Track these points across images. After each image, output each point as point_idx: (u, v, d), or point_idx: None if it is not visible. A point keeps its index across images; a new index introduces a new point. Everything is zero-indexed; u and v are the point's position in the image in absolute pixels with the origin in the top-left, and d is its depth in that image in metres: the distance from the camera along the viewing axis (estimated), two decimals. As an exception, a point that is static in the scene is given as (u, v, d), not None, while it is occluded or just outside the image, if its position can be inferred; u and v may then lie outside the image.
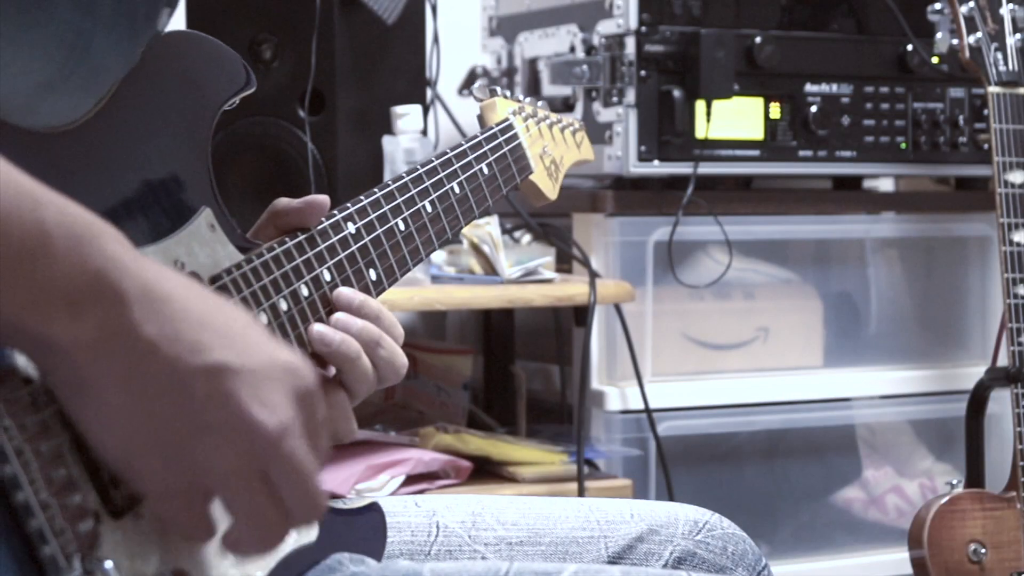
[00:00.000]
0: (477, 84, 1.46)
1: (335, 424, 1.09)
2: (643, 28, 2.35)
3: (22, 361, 0.85)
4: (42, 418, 0.85)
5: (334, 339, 1.10)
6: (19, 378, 0.84)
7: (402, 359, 1.14)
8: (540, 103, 1.52)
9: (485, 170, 1.34)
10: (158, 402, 0.84)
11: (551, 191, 1.48)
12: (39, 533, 0.82)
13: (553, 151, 1.50)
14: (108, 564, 0.84)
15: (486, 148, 1.35)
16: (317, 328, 1.10)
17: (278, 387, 0.88)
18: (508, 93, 1.47)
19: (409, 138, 2.26)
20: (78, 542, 0.84)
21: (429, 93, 2.53)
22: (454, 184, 1.29)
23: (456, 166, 1.30)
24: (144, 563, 0.89)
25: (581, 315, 2.30)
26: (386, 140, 2.27)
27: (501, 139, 1.38)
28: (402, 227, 1.22)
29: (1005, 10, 2.31)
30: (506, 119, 1.41)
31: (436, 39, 2.55)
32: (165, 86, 1.05)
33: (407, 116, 2.26)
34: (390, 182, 1.23)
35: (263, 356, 0.88)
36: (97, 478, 0.88)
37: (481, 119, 1.43)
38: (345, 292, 1.13)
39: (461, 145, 1.33)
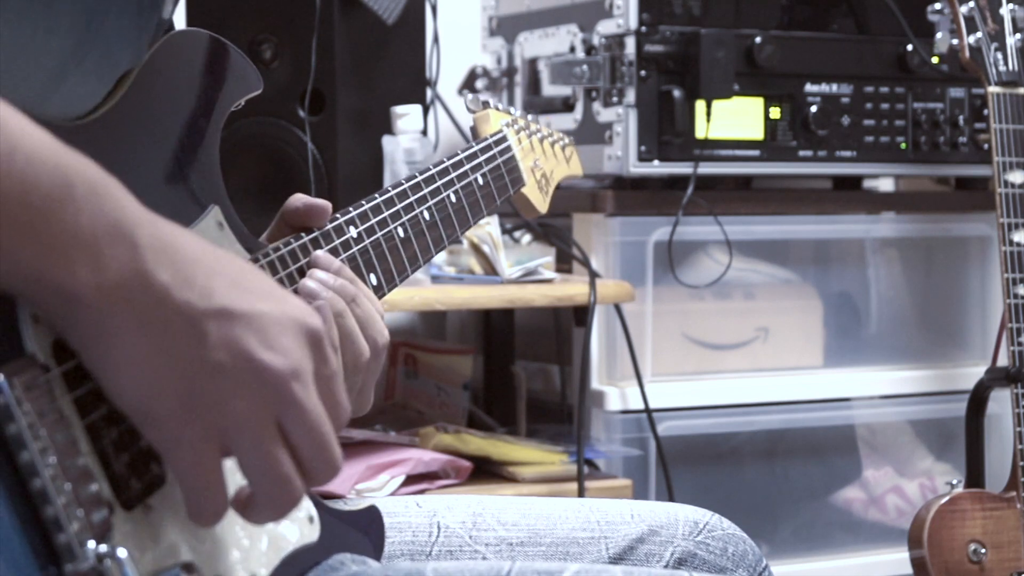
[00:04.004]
0: (470, 96, 1.47)
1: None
2: (643, 28, 2.35)
3: (40, 348, 0.86)
4: (59, 406, 0.86)
5: (321, 292, 1.10)
6: (38, 365, 0.85)
7: (381, 327, 1.14)
8: (531, 116, 1.54)
9: (480, 180, 1.36)
10: (173, 345, 0.85)
11: (541, 204, 1.50)
12: (54, 520, 0.83)
13: (544, 164, 1.51)
14: (122, 553, 0.85)
15: (481, 159, 1.37)
16: (304, 282, 1.11)
17: (287, 332, 0.89)
18: (500, 105, 1.49)
19: (409, 138, 2.26)
20: (92, 531, 0.85)
21: (429, 93, 2.53)
22: (450, 193, 1.31)
23: (453, 175, 1.32)
24: (154, 555, 0.90)
25: (581, 315, 2.30)
26: (386, 140, 2.27)
27: (495, 150, 1.40)
28: (401, 233, 1.24)
29: (1005, 10, 2.31)
30: (500, 131, 1.43)
31: (436, 39, 2.55)
32: (175, 85, 1.06)
33: (407, 116, 2.26)
34: (389, 188, 1.25)
35: (272, 302, 0.90)
36: (109, 469, 0.89)
37: (474, 130, 1.45)
38: (323, 254, 1.14)
39: (457, 155, 1.35)
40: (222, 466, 0.88)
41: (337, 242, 1.17)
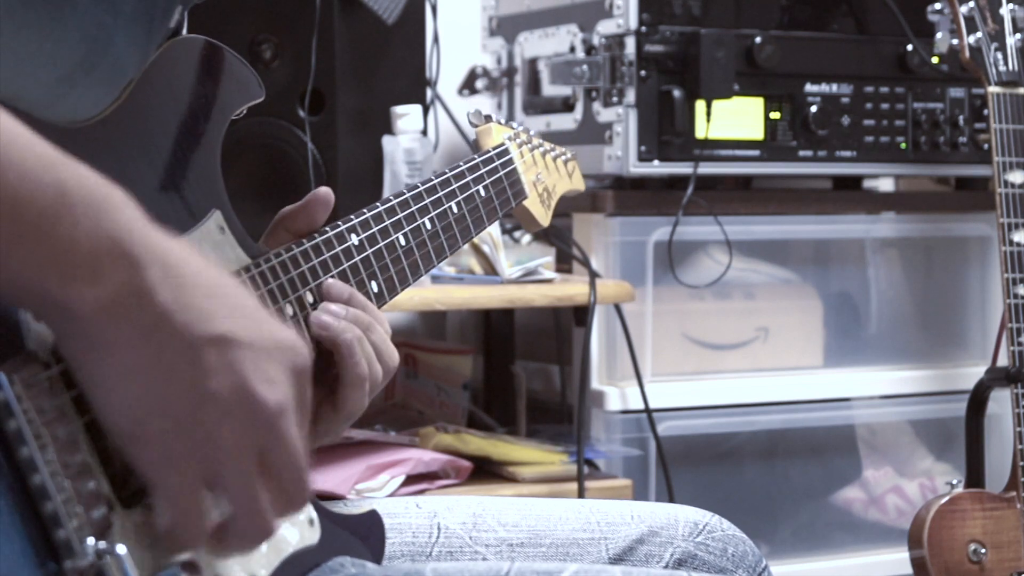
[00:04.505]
0: (472, 111, 1.48)
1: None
2: (643, 28, 2.35)
3: (41, 346, 0.86)
4: (59, 403, 0.86)
5: (333, 324, 1.11)
6: (39, 363, 0.85)
7: (392, 349, 1.16)
8: (533, 131, 1.55)
9: (482, 192, 1.37)
10: (168, 367, 0.85)
11: (543, 217, 1.51)
12: (54, 516, 0.83)
13: (546, 179, 1.52)
14: (121, 549, 0.85)
15: (483, 171, 1.38)
16: (315, 314, 1.12)
17: (279, 364, 0.89)
18: (502, 120, 1.50)
19: (409, 138, 2.26)
20: (91, 527, 0.85)
21: (429, 93, 2.53)
22: (452, 204, 1.32)
23: (455, 186, 1.33)
24: (154, 552, 0.90)
25: (581, 315, 2.30)
26: (386, 140, 2.27)
27: (497, 163, 1.41)
28: (403, 242, 1.24)
29: (1005, 10, 2.31)
30: (502, 144, 1.44)
31: (436, 39, 2.55)
32: (174, 91, 1.06)
33: (407, 116, 2.26)
34: (391, 197, 1.26)
35: (267, 332, 0.89)
36: (110, 466, 0.89)
37: (477, 144, 1.46)
38: (336, 283, 1.15)
39: (459, 166, 1.35)
40: (203, 495, 0.87)
41: (339, 249, 1.18)
